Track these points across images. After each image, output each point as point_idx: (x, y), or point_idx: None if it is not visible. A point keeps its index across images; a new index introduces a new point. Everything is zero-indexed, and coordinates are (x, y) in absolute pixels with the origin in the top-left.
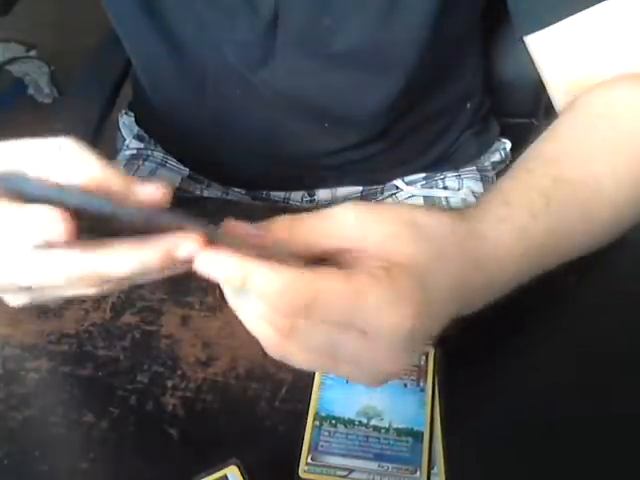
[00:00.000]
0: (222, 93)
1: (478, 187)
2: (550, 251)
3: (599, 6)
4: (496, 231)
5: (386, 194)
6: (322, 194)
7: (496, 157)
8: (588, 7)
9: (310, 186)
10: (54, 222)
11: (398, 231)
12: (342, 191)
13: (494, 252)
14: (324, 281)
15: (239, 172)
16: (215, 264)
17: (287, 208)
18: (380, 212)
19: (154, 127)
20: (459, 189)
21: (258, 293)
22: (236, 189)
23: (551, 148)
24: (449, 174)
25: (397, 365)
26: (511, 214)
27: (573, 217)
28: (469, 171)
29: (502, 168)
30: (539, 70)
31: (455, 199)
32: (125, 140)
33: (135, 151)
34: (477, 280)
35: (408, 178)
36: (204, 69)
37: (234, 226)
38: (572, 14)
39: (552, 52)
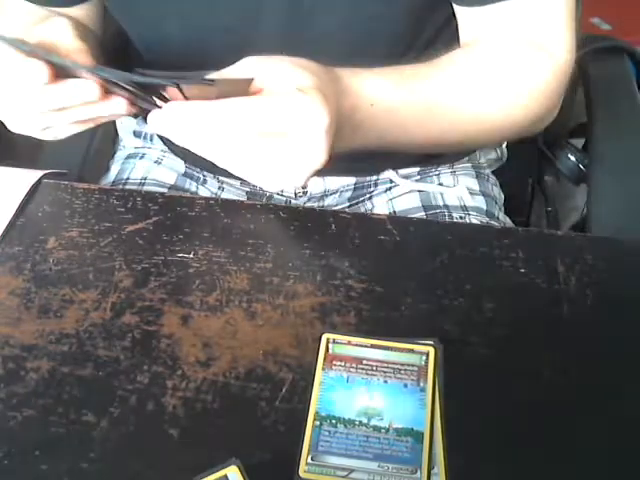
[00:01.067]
0: None
1: (473, 184)
2: (396, 117)
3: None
4: (358, 81)
5: (380, 187)
6: (314, 185)
7: (492, 155)
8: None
9: None
10: (96, 92)
11: (294, 68)
12: (334, 182)
13: (356, 99)
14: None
15: None
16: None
17: (282, 207)
18: (277, 58)
19: None
20: (454, 185)
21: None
22: (231, 181)
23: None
24: (444, 170)
25: (310, 163)
26: (372, 76)
27: (420, 106)
28: (464, 167)
29: (498, 166)
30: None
31: (450, 195)
32: (122, 141)
33: (133, 149)
34: (345, 112)
35: (402, 172)
36: (189, 57)
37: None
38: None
39: (473, 23)
